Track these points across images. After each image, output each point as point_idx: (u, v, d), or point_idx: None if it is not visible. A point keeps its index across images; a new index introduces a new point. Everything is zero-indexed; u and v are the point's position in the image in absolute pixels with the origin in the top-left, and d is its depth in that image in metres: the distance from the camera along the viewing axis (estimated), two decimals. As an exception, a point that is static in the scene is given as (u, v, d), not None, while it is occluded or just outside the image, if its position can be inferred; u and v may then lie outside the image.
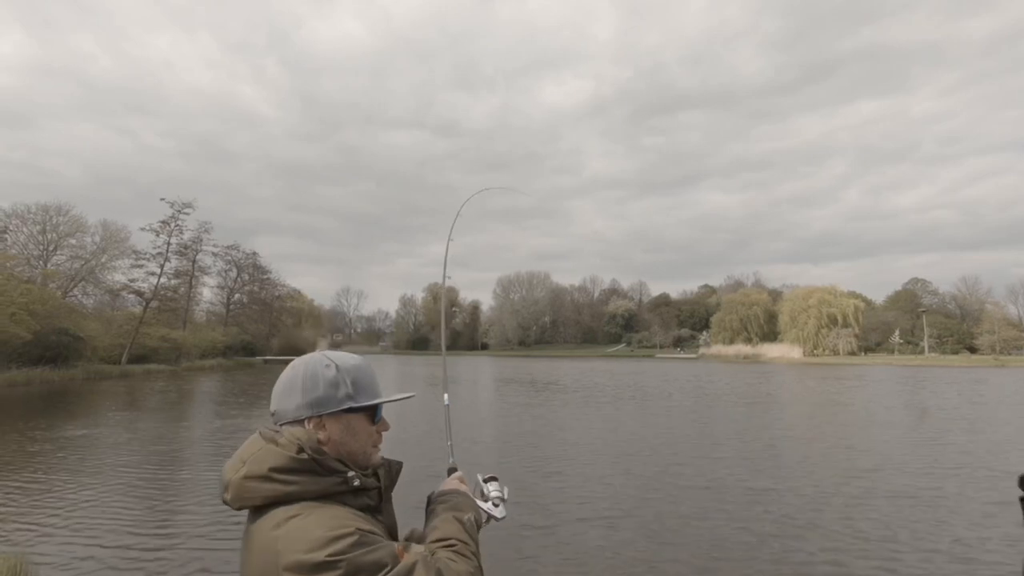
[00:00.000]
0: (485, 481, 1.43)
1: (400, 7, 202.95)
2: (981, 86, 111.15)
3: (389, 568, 0.91)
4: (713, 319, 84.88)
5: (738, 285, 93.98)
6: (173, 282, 44.90)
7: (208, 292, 55.75)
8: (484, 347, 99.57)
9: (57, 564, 5.01)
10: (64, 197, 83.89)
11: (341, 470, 1.05)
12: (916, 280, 77.20)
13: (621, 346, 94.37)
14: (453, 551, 1.05)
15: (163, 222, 41.75)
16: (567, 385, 25.57)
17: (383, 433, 1.18)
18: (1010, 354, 56.20)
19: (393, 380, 30.05)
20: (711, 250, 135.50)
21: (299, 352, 70.12)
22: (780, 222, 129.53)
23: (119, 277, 42.51)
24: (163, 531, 5.95)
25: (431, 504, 1.25)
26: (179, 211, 42.09)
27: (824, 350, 67.08)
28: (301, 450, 1.02)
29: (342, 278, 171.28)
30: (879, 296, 76.45)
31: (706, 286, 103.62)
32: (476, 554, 1.09)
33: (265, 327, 61.32)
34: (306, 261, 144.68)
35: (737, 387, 24.38)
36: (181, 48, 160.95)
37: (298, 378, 1.10)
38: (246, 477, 1.00)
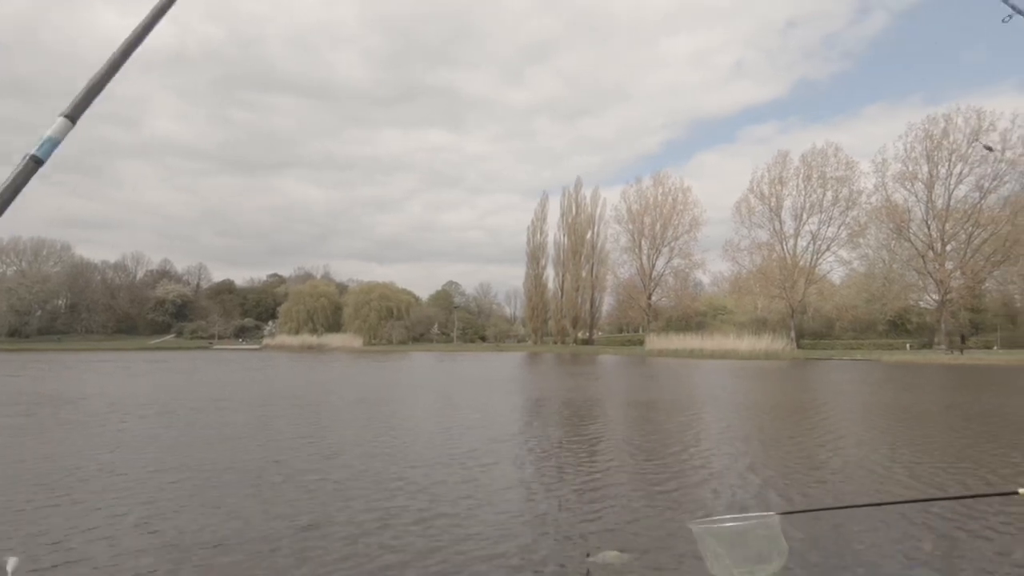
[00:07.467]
0: None
1: None
2: (512, 142, 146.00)
3: None
4: (281, 309, 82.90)
5: (308, 276, 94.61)
6: None
7: None
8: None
9: None
10: None
11: None
12: (451, 283, 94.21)
13: (169, 337, 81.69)
14: None
15: None
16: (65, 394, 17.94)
17: None
18: (505, 342, 74.93)
19: None
20: (290, 240, 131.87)
21: None
22: (356, 222, 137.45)
23: None
24: None
25: None
26: None
27: (381, 339, 74.61)
28: None
29: None
30: (425, 294, 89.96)
31: (275, 275, 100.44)
32: None
33: None
34: None
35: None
36: None
37: None
38: None
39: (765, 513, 3.25)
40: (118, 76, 1.06)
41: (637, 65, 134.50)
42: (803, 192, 54.53)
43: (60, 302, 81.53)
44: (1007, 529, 4.87)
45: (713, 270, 75.23)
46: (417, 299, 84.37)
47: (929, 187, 47.36)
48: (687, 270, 65.14)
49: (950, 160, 46.11)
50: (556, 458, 8.08)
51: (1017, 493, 2.90)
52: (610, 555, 4.24)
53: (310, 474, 6.94)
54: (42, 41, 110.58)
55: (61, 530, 4.86)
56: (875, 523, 4.99)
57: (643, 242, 65.17)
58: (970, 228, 46.45)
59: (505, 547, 4.51)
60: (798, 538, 4.68)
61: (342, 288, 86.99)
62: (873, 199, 51.22)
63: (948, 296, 46.86)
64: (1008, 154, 44.21)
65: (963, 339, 47.92)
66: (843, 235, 53.82)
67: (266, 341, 78.78)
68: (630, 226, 65.86)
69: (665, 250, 64.47)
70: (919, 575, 4.02)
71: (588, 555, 4.29)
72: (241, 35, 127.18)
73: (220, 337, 79.58)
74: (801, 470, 7.35)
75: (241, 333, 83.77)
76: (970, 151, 45.33)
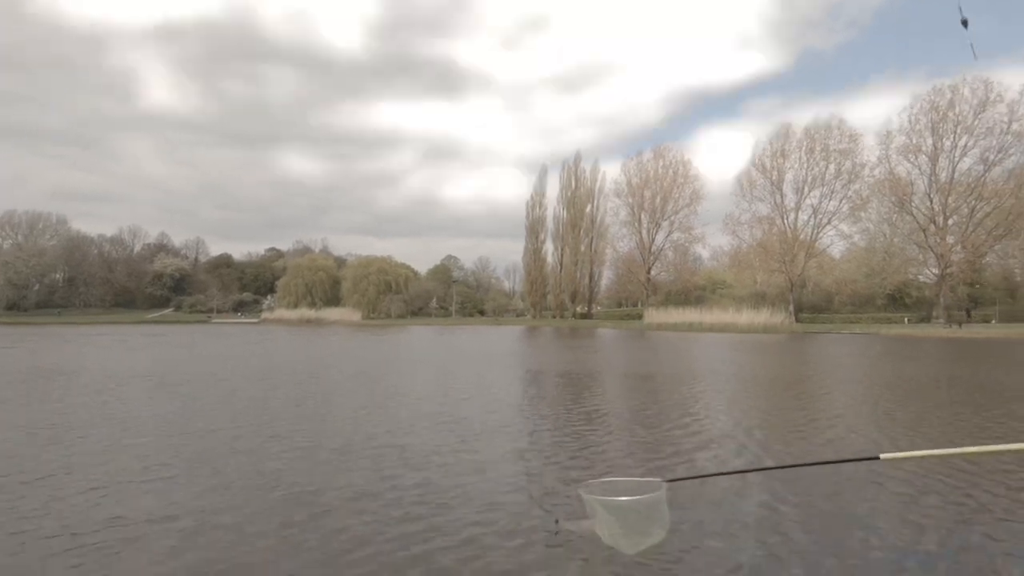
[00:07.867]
0: None
1: None
2: (511, 116, 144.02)
3: None
4: (279, 283, 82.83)
5: (306, 250, 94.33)
6: None
7: None
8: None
9: None
10: None
11: None
12: (449, 257, 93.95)
13: (168, 310, 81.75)
14: None
15: None
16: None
17: None
18: (503, 316, 74.98)
19: None
20: (288, 214, 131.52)
21: None
22: (355, 196, 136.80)
23: None
24: None
25: None
26: None
27: (380, 313, 74.67)
28: None
29: None
30: (423, 268, 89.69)
31: (274, 249, 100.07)
32: None
33: None
34: None
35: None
36: None
37: None
38: None
39: (652, 479, 3.22)
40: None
41: (639, 39, 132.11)
42: (805, 165, 54.04)
43: (58, 276, 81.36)
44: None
45: (713, 244, 75.05)
46: (416, 273, 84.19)
47: (933, 160, 46.88)
48: (687, 244, 65.01)
49: (955, 132, 45.54)
50: (551, 430, 8.04)
51: (878, 458, 2.88)
52: (584, 524, 4.20)
53: (308, 447, 6.89)
54: (27, 11, 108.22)
55: (55, 502, 4.80)
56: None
57: (643, 216, 64.81)
58: (973, 201, 46.12)
59: (490, 514, 4.52)
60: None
61: (340, 262, 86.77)
62: (876, 172, 50.78)
63: (948, 270, 46.79)
64: (1015, 126, 43.67)
65: (968, 313, 47.97)
66: (844, 209, 53.53)
67: (264, 315, 78.85)
68: (630, 200, 65.43)
69: (665, 224, 64.22)
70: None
71: (557, 521, 4.32)
72: (235, 5, 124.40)
73: (219, 311, 79.66)
74: (804, 441, 7.31)
75: (240, 307, 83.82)
76: (976, 123, 44.74)
